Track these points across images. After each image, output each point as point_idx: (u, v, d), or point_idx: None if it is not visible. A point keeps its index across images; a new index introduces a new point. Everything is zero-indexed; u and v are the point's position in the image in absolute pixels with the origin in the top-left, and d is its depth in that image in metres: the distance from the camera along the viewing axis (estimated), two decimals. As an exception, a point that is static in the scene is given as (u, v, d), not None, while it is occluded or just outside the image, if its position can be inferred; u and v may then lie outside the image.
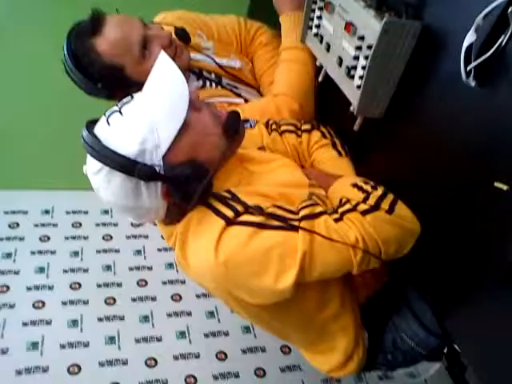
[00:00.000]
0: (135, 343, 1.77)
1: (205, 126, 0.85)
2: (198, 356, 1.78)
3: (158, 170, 0.80)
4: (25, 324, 1.74)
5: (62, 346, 1.70)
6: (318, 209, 0.84)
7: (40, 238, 2.10)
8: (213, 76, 1.29)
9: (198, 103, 0.87)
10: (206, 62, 1.29)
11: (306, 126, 1.13)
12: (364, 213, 0.83)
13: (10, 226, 2.12)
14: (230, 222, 0.80)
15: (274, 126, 1.11)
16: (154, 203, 0.84)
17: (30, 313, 1.78)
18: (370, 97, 0.97)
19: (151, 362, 1.72)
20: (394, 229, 0.84)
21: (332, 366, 1.06)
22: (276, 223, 0.80)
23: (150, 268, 2.08)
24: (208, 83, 1.27)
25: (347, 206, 0.85)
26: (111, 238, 2.17)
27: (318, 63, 1.17)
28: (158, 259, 2.11)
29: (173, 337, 1.83)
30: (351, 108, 1.03)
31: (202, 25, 1.33)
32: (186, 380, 1.69)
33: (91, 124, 0.85)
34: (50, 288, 1.89)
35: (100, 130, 0.83)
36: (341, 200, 0.88)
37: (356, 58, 0.96)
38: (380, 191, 0.87)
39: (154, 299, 1.96)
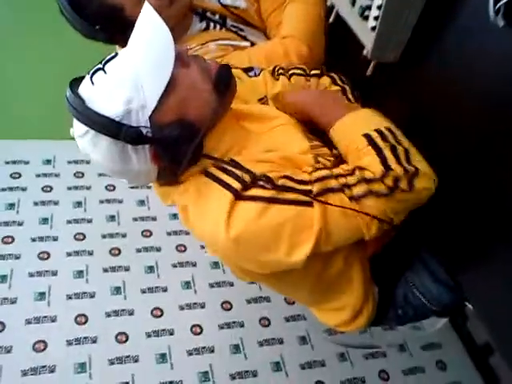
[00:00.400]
0: (141, 293, 1.77)
1: (193, 82, 0.80)
2: (203, 306, 1.79)
3: (144, 132, 0.75)
4: (31, 275, 1.74)
5: (69, 297, 1.70)
6: (333, 183, 0.79)
7: (42, 189, 2.07)
8: (217, 17, 1.21)
9: (185, 58, 0.81)
10: (209, 1, 1.20)
11: (316, 72, 1.06)
12: (380, 195, 0.78)
13: (11, 176, 2.09)
14: (238, 196, 0.76)
15: (280, 71, 1.04)
16: (143, 167, 0.80)
17: (35, 264, 1.77)
18: (386, 39, 0.89)
19: (157, 312, 1.73)
20: (412, 201, 0.81)
21: (340, 321, 1.04)
22: (288, 197, 0.76)
23: (154, 218, 2.06)
24: (212, 25, 1.19)
25: (362, 187, 0.78)
26: (114, 188, 2.13)
27: (328, 3, 1.08)
28: (162, 209, 2.08)
29: (178, 287, 1.83)
30: (364, 51, 0.96)
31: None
32: (191, 329, 1.71)
33: (75, 83, 0.80)
34: (55, 239, 1.88)
35: (84, 89, 0.78)
36: (354, 170, 0.80)
37: (371, -4, 0.88)
38: (400, 168, 0.78)
39: (158, 250, 1.95)
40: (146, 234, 1.99)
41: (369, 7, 0.89)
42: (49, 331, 1.60)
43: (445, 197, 0.85)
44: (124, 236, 1.96)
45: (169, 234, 2.02)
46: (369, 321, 1.05)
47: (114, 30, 1.08)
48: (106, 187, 2.12)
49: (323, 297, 1.02)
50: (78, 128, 0.78)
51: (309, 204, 0.76)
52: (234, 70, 0.99)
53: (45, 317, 1.63)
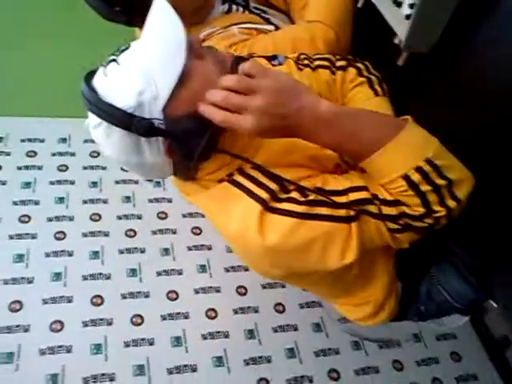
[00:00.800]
0: (156, 276, 1.77)
1: (207, 74, 0.77)
2: (218, 290, 1.79)
3: (157, 124, 0.73)
4: (47, 255, 1.74)
5: (85, 278, 1.71)
6: (372, 208, 0.76)
7: (58, 168, 2.06)
8: (239, -1, 1.16)
9: (199, 49, 0.78)
10: (232, -18, 1.15)
11: (342, 63, 1.01)
12: (419, 231, 0.79)
13: (27, 155, 2.08)
14: (267, 207, 0.74)
15: (306, 61, 1.00)
16: (157, 160, 0.78)
17: (52, 244, 1.78)
18: (421, 28, 0.85)
19: (172, 295, 1.73)
20: None
21: (361, 316, 1.03)
22: (322, 211, 0.74)
23: (169, 200, 2.05)
24: (234, 7, 1.14)
25: (402, 222, 0.77)
26: (130, 168, 2.12)
27: (358, -14, 1.03)
28: (177, 191, 2.07)
29: (193, 270, 1.83)
30: (395, 40, 0.91)
31: None
32: (206, 314, 1.71)
33: (90, 75, 0.78)
34: (71, 219, 1.88)
35: (98, 81, 0.76)
36: (395, 202, 0.76)
37: (407, -19, 0.83)
38: (443, 208, 0.75)
39: (174, 232, 1.94)
40: (162, 215, 1.98)
41: (404, -7, 0.84)
42: (65, 311, 1.61)
43: (475, 192, 0.82)
44: (139, 217, 1.96)
45: (184, 216, 2.01)
46: (390, 316, 1.03)
47: (134, 12, 1.05)
48: (121, 168, 2.11)
49: (345, 292, 1.00)
50: (92, 119, 0.77)
51: (344, 220, 0.75)
52: (256, 59, 0.96)
53: (61, 297, 1.64)
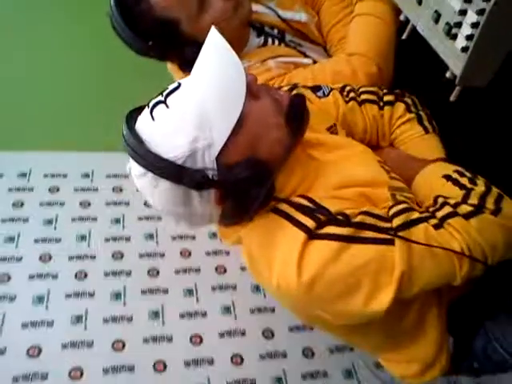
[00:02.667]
0: (179, 318, 1.69)
1: (264, 116, 0.71)
2: (243, 333, 1.69)
3: (210, 175, 0.67)
4: (68, 296, 1.68)
5: (106, 320, 1.63)
6: (415, 214, 0.70)
7: (80, 204, 2.02)
8: (275, 32, 1.12)
9: (255, 88, 0.72)
10: (268, 15, 1.11)
11: (389, 97, 0.96)
12: (467, 216, 0.70)
13: (50, 190, 2.05)
14: (312, 235, 0.68)
15: (352, 94, 0.95)
16: (207, 210, 0.72)
17: (72, 284, 1.72)
18: (479, 61, 0.78)
19: (196, 339, 1.64)
20: (503, 231, 0.71)
21: (408, 373, 0.93)
22: (367, 235, 0.68)
23: (193, 237, 1.98)
24: (270, 40, 1.10)
25: (446, 209, 0.71)
26: (153, 204, 2.07)
27: (402, 17, 0.98)
28: (201, 228, 2.00)
29: (217, 312, 1.74)
30: (447, 74, 0.85)
31: (263, -27, 1.14)
32: (232, 359, 1.61)
33: (133, 115, 0.72)
34: (92, 257, 1.82)
35: (143, 125, 0.70)
36: (436, 199, 0.74)
37: (462, 12, 0.77)
38: (482, 186, 0.74)
39: (197, 271, 1.86)
40: (185, 253, 1.91)
41: (458, 24, 0.78)
42: (85, 357, 1.53)
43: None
44: (162, 255, 1.89)
45: (208, 253, 1.93)
46: (441, 374, 0.94)
47: (168, 46, 1.01)
48: (145, 202, 2.06)
49: (393, 347, 0.91)
50: (135, 168, 0.71)
51: (389, 242, 0.68)
52: (300, 89, 0.91)
53: (81, 341, 1.56)
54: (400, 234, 0.68)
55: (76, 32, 2.29)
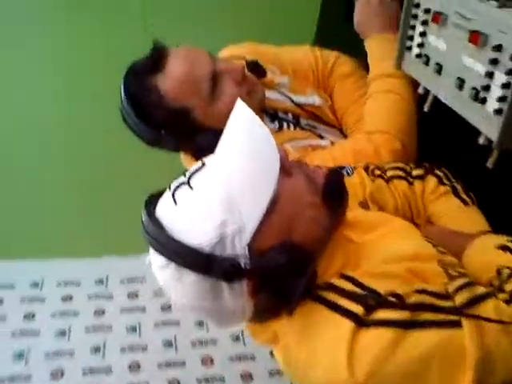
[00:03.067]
0: None
1: (299, 195, 0.65)
2: None
3: (242, 264, 0.59)
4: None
5: None
6: (479, 289, 0.60)
7: (94, 312, 1.92)
8: (290, 116, 1.09)
9: (288, 165, 0.66)
10: (281, 100, 1.10)
11: (418, 171, 0.89)
12: None
13: (63, 299, 1.96)
14: (361, 322, 0.58)
15: (377, 172, 0.89)
16: (238, 304, 0.63)
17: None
18: (516, 123, 0.73)
19: None
20: None
21: None
22: (427, 318, 0.58)
23: (214, 342, 1.84)
24: (285, 125, 1.07)
25: None
26: (170, 307, 1.95)
27: (420, 90, 0.95)
28: (223, 330, 1.87)
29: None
30: (480, 140, 0.79)
31: (274, 58, 1.15)
32: None
33: (152, 200, 0.65)
34: (107, 371, 1.68)
35: (164, 210, 0.63)
36: (499, 271, 0.64)
37: (489, 74, 0.73)
38: None
39: (222, 380, 1.70)
40: (207, 361, 1.76)
41: (486, 87, 0.74)
42: None
43: None
44: (183, 364, 1.74)
45: (232, 359, 1.78)
46: None
47: (181, 134, 0.98)
48: (161, 307, 1.95)
49: None
50: (156, 259, 0.62)
51: (455, 324, 0.58)
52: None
53: None
54: (466, 312, 0.58)
55: (87, 130, 2.33)
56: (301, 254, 0.61)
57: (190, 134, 0.96)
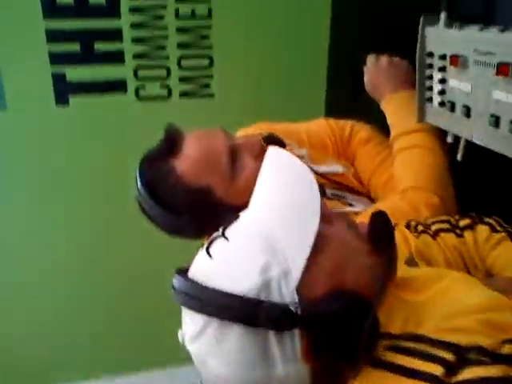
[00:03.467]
0: None
1: (344, 239, 0.60)
2: None
3: (293, 310, 0.52)
4: None
5: None
6: None
7: None
8: (315, 188, 1.04)
9: (327, 213, 0.61)
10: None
11: (466, 221, 0.82)
12: None
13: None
14: None
15: (420, 228, 0.81)
16: (291, 368, 0.53)
17: None
18: None
19: None
20: None
21: None
22: None
23: None
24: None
25: None
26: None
27: (449, 139, 0.90)
28: None
29: None
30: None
31: (289, 132, 1.12)
32: None
33: (183, 269, 0.60)
34: None
35: (199, 267, 0.58)
36: None
37: (527, 104, 0.69)
38: None
39: None
40: None
41: (526, 119, 0.69)
42: None
43: None
44: None
45: None
46: None
47: (204, 217, 0.91)
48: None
49: None
50: (191, 325, 0.55)
51: None
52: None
53: None
54: None
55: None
56: (357, 301, 0.53)
57: (213, 217, 0.90)
